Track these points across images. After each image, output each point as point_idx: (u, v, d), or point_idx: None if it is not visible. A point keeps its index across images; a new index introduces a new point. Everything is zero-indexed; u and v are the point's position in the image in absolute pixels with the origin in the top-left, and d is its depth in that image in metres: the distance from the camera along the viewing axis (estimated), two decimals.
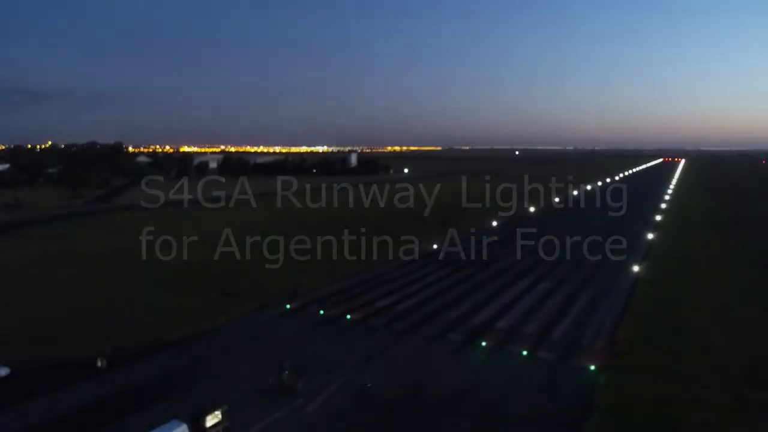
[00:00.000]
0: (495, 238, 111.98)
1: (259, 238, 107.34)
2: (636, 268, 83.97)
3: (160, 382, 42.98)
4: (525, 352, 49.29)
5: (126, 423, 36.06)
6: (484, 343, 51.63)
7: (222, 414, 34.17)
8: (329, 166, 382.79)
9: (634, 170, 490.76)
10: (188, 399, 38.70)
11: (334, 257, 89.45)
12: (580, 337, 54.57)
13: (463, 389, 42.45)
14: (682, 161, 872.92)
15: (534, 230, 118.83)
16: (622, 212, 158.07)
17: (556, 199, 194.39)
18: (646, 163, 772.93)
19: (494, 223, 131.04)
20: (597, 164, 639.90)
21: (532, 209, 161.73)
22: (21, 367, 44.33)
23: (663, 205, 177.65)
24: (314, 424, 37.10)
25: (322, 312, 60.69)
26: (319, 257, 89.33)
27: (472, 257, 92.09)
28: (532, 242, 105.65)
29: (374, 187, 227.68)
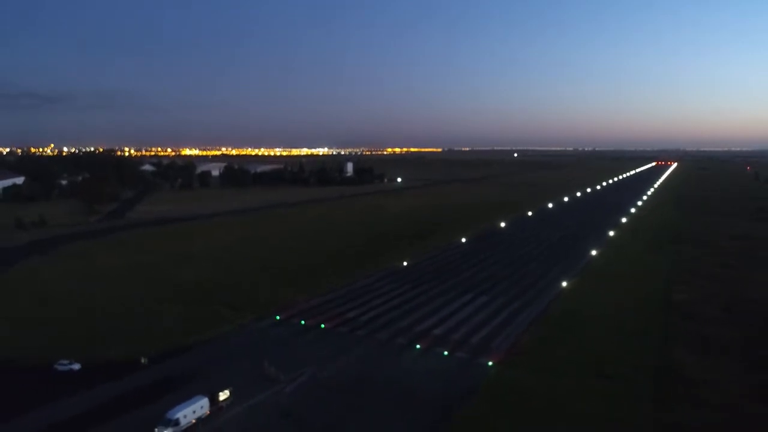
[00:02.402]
0: (457, 254, 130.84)
1: (253, 254, 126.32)
2: (564, 284, 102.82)
3: (188, 372, 61.89)
4: (445, 353, 68.20)
5: (166, 398, 54.76)
6: (418, 346, 70.50)
7: (229, 392, 53.23)
8: (326, 175, 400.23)
9: (623, 176, 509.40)
10: (207, 383, 57.49)
11: (315, 274, 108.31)
12: (492, 340, 73.42)
13: (395, 378, 61.25)
14: (674, 165, 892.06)
15: (495, 249, 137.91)
16: (582, 228, 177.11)
17: (529, 213, 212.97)
18: (640, 167, 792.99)
19: (463, 240, 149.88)
20: (590, 168, 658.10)
21: (503, 224, 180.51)
22: (87, 364, 63.22)
23: (623, 219, 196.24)
24: (289, 399, 55.98)
25: (303, 322, 79.60)
26: (303, 274, 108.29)
27: (432, 274, 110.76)
28: (489, 260, 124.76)
29: (365, 198, 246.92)
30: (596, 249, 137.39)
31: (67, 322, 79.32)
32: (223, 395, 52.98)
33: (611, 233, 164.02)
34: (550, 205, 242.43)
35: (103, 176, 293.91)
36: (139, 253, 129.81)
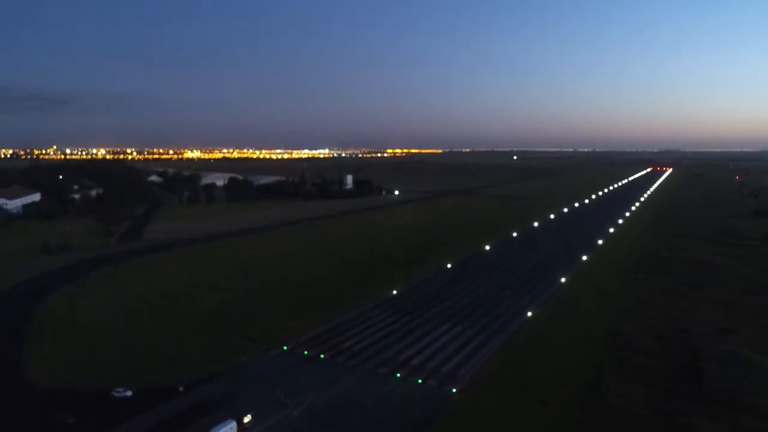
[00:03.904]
0: (442, 281, 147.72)
1: (261, 280, 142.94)
2: (529, 314, 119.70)
3: (216, 398, 78.77)
4: (420, 381, 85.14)
5: (201, 421, 71.58)
6: (399, 375, 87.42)
7: (251, 416, 70.22)
8: (327, 187, 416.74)
9: (615, 186, 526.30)
10: (233, 408, 74.36)
11: (316, 304, 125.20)
12: (459, 369, 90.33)
13: (378, 403, 78.17)
14: (669, 171, 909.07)
15: (475, 276, 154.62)
16: (560, 250, 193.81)
17: (514, 234, 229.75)
18: (635, 173, 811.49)
19: (448, 265, 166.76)
20: (584, 177, 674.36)
21: (487, 247, 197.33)
22: (136, 390, 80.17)
23: (600, 241, 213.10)
24: (297, 421, 72.92)
25: (306, 352, 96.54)
26: (305, 303, 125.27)
27: (417, 303, 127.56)
28: (469, 288, 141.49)
29: (363, 216, 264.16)
30: (566, 276, 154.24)
31: (113, 351, 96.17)
32: (247, 419, 70.02)
33: (584, 257, 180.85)
34: (536, 224, 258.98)
35: (117, 195, 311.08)
36: (162, 279, 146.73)
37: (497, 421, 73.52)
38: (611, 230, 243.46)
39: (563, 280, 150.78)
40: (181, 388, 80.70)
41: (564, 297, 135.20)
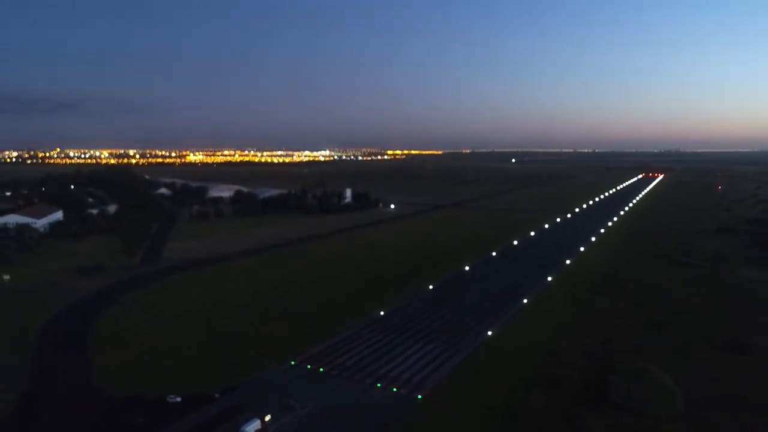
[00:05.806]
0: (423, 302, 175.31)
1: (269, 302, 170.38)
2: (489, 333, 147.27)
3: (241, 403, 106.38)
4: (395, 389, 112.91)
5: (233, 420, 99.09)
6: (379, 384, 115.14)
7: (270, 416, 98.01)
8: (327, 201, 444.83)
9: (603, 195, 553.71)
10: (255, 410, 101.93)
11: (317, 323, 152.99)
12: (426, 379, 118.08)
13: (362, 407, 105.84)
14: (660, 177, 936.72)
15: (453, 297, 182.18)
16: (531, 271, 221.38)
17: (493, 253, 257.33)
18: (628, 179, 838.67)
19: (430, 287, 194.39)
20: (577, 184, 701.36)
21: (467, 268, 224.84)
22: (184, 397, 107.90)
23: (568, 261, 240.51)
24: (303, 421, 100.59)
25: (308, 366, 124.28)
26: (308, 322, 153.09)
27: (401, 322, 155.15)
28: (445, 309, 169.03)
29: (359, 232, 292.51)
30: (528, 297, 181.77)
31: (159, 366, 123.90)
32: (267, 417, 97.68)
33: (550, 278, 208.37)
34: (515, 242, 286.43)
35: (134, 212, 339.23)
36: (188, 300, 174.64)
37: (446, 418, 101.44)
38: (582, 249, 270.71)
39: (525, 301, 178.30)
40: (216, 395, 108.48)
41: (523, 317, 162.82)
